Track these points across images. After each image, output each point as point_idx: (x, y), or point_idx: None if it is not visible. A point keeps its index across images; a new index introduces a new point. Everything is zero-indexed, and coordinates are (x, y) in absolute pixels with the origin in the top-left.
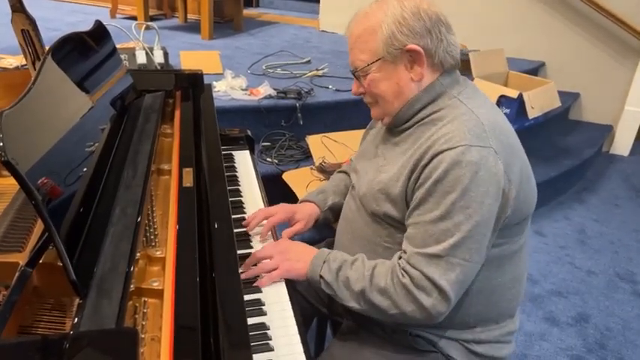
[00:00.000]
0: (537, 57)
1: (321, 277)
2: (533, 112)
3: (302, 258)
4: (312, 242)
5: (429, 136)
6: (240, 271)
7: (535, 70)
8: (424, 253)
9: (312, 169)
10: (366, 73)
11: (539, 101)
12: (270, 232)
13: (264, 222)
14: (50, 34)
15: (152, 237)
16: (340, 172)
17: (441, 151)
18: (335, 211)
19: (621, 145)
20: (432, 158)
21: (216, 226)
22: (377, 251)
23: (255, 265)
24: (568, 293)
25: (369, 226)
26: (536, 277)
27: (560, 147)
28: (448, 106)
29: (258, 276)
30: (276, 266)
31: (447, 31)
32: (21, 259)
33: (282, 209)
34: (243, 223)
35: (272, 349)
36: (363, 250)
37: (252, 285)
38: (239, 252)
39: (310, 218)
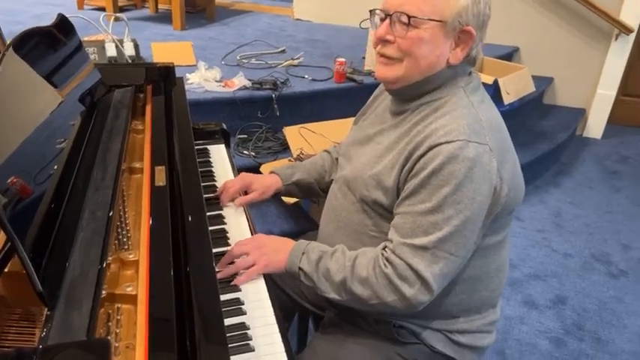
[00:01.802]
0: (511, 42)
1: (300, 268)
2: (508, 98)
3: (280, 251)
4: (291, 235)
5: (426, 124)
6: (216, 270)
7: (509, 55)
8: (410, 244)
9: (290, 160)
10: (416, 25)
11: (514, 87)
12: (248, 226)
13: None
14: (14, 27)
15: (125, 239)
16: (325, 151)
17: (439, 144)
18: (302, 188)
19: (594, 129)
20: (429, 150)
21: (190, 225)
22: (362, 240)
23: (232, 263)
24: (546, 276)
25: (355, 214)
26: (515, 262)
27: (535, 131)
28: (453, 95)
29: (236, 274)
30: (253, 262)
31: (485, 33)
32: None
33: (240, 179)
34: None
35: (252, 350)
36: (348, 239)
37: (230, 284)
38: (215, 250)
39: (268, 189)
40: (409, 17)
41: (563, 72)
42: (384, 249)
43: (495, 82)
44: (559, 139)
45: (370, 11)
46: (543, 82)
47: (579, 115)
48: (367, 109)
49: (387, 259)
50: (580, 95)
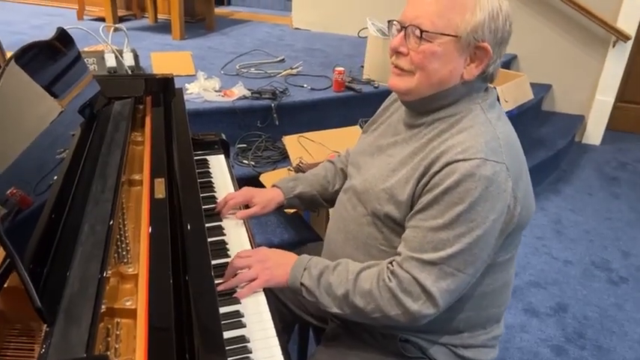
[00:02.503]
0: (509, 50)
1: (302, 284)
2: (507, 106)
3: (282, 266)
4: (292, 244)
5: (442, 140)
6: (218, 282)
7: (507, 63)
8: (419, 258)
9: (289, 169)
10: (430, 39)
11: (513, 94)
12: (248, 239)
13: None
14: (14, 37)
15: (124, 253)
16: (329, 161)
17: (456, 161)
18: (304, 200)
19: (593, 135)
20: (445, 166)
21: (190, 239)
22: (371, 253)
23: (234, 275)
24: (546, 284)
25: (365, 227)
26: (516, 270)
27: (534, 138)
28: (469, 111)
29: (237, 287)
30: (255, 276)
31: (504, 50)
32: None
33: (242, 193)
34: (216, 210)
35: None
36: (356, 252)
37: (231, 297)
38: (215, 262)
39: (270, 203)
40: (422, 31)
41: (561, 79)
42: (390, 262)
43: (494, 90)
44: (558, 146)
45: (388, 22)
46: (542, 90)
47: (578, 121)
48: (377, 118)
49: (392, 273)
50: (578, 102)
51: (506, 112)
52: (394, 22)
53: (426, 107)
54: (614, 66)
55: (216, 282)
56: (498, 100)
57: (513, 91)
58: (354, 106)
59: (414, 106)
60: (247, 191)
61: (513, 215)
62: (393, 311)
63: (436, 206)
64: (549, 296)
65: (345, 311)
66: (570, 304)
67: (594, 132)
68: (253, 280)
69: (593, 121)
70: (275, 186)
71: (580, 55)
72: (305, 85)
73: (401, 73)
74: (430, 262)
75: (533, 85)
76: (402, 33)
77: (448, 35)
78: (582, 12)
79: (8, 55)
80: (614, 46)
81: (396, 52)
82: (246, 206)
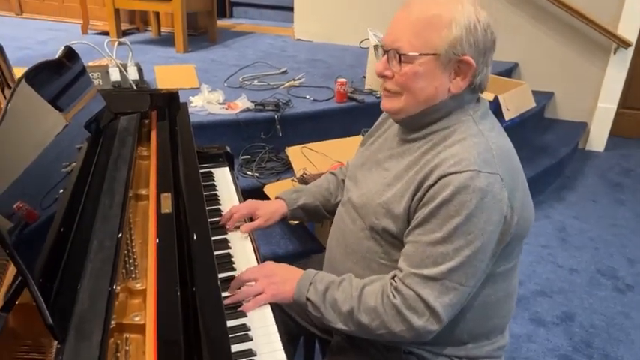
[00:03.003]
0: (510, 58)
1: (308, 299)
2: (509, 114)
3: (288, 280)
4: (296, 255)
5: (436, 153)
6: (224, 294)
7: (509, 71)
8: (420, 274)
9: (293, 180)
10: (409, 61)
11: (515, 103)
12: (253, 252)
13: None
14: (20, 53)
15: (132, 268)
16: (331, 173)
17: (449, 174)
18: (307, 211)
19: (596, 142)
20: (439, 179)
21: (197, 253)
22: (371, 267)
23: (240, 288)
24: (552, 292)
25: (365, 241)
26: (521, 278)
27: (537, 146)
28: (461, 123)
29: (244, 300)
30: (261, 290)
31: (491, 58)
32: None
33: (246, 205)
34: (220, 224)
35: None
36: (356, 265)
37: (237, 310)
38: (221, 275)
39: (273, 215)
40: (400, 55)
41: (563, 86)
42: (392, 278)
43: (496, 98)
44: (561, 154)
45: (374, 47)
46: (544, 97)
47: (581, 128)
48: (375, 131)
49: (396, 289)
50: (581, 109)
51: (508, 121)
52: (379, 46)
53: (417, 123)
54: (615, 73)
55: (222, 295)
56: (500, 110)
57: (515, 100)
58: (357, 116)
59: (406, 123)
60: (251, 204)
61: (510, 225)
62: (398, 327)
63: (433, 220)
64: (555, 305)
65: (350, 327)
66: (577, 312)
67: (597, 139)
68: (259, 294)
69: (596, 128)
70: (279, 198)
71: (581, 62)
72: (307, 97)
73: (389, 95)
74: (432, 277)
75: (535, 92)
76: (385, 57)
77: (427, 54)
78: (583, 19)
79: (15, 70)
80: (615, 53)
81: (382, 76)
82: (251, 219)
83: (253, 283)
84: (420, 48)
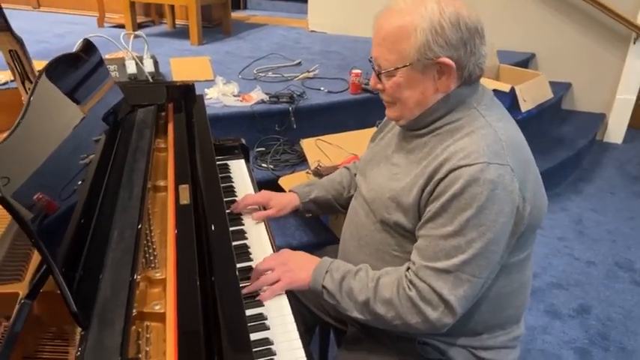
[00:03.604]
0: (527, 48)
1: (323, 287)
2: (526, 106)
3: (304, 268)
4: (311, 247)
5: (444, 147)
6: (242, 285)
7: (526, 61)
8: (433, 267)
9: (307, 173)
10: (391, 75)
11: (532, 94)
12: (269, 240)
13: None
14: (38, 46)
15: (151, 258)
16: (345, 167)
17: (459, 167)
18: (319, 205)
19: (615, 133)
20: (449, 173)
21: (215, 243)
22: (385, 259)
23: (257, 278)
24: (568, 285)
25: (378, 233)
26: (537, 271)
27: (554, 138)
28: (467, 117)
29: (261, 289)
30: (278, 278)
31: (480, 43)
32: (20, 289)
33: (261, 195)
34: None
35: None
36: (370, 258)
37: (254, 299)
38: (239, 265)
39: (286, 207)
40: (380, 72)
41: (581, 77)
42: (407, 270)
43: (512, 90)
44: (579, 145)
45: (369, 59)
46: (561, 88)
47: (599, 120)
48: (384, 127)
49: (411, 282)
50: (599, 100)
51: (525, 112)
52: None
53: (420, 124)
54: (635, 63)
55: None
56: (517, 101)
57: (532, 91)
58: (371, 108)
59: (409, 126)
60: (266, 194)
61: (523, 216)
62: (413, 319)
63: (444, 214)
64: (572, 297)
65: (365, 317)
66: (593, 305)
67: (616, 130)
68: (276, 282)
69: (615, 119)
70: (292, 191)
71: (600, 52)
72: (322, 88)
73: (387, 105)
74: (445, 270)
75: (552, 83)
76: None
77: (403, 66)
78: (602, 9)
79: (35, 63)
80: (634, 42)
81: (376, 89)
82: (264, 208)
83: (270, 272)
84: (394, 62)
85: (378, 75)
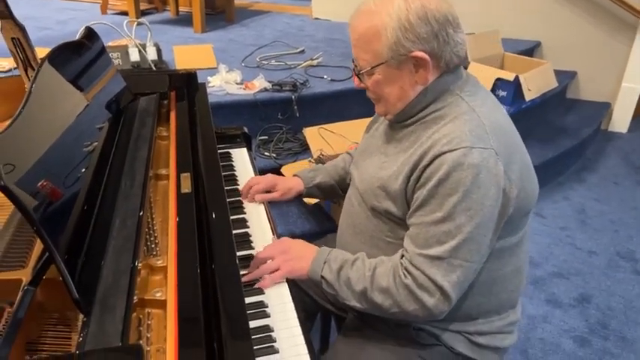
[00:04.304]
0: (532, 37)
1: (322, 277)
2: (530, 94)
3: (303, 258)
4: (312, 235)
5: (429, 135)
6: (243, 273)
7: (531, 50)
8: (426, 254)
9: (310, 161)
10: (370, 74)
11: (536, 83)
12: (270, 229)
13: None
14: (40, 33)
15: (153, 246)
16: (347, 153)
17: (442, 153)
18: (323, 190)
19: (620, 123)
20: (433, 159)
21: (215, 232)
22: (379, 246)
23: (257, 266)
24: (569, 274)
25: (371, 221)
26: (538, 260)
27: (558, 127)
28: (450, 104)
29: (261, 277)
30: (277, 267)
31: (454, 32)
32: (24, 275)
33: (265, 179)
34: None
35: (277, 352)
36: (365, 245)
37: (253, 287)
38: (240, 253)
39: (290, 191)
40: (359, 73)
41: (586, 66)
42: (402, 258)
43: (516, 78)
44: (583, 134)
45: (352, 60)
46: (566, 77)
47: (604, 109)
48: (378, 118)
49: (407, 270)
50: (604, 89)
51: (529, 101)
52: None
53: (406, 116)
54: None
55: (240, 273)
56: (521, 90)
57: (536, 79)
58: None
59: (396, 119)
60: (271, 178)
61: (510, 198)
62: (410, 307)
63: (432, 200)
64: (572, 287)
65: (364, 306)
66: (594, 294)
67: (621, 119)
68: (276, 270)
69: (620, 109)
70: (296, 175)
71: (606, 40)
72: (325, 77)
73: (374, 102)
74: (437, 257)
75: (557, 72)
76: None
77: (379, 64)
78: None
79: (37, 50)
80: None
81: (360, 88)
82: (268, 192)
83: (270, 260)
84: (370, 61)
85: (358, 74)
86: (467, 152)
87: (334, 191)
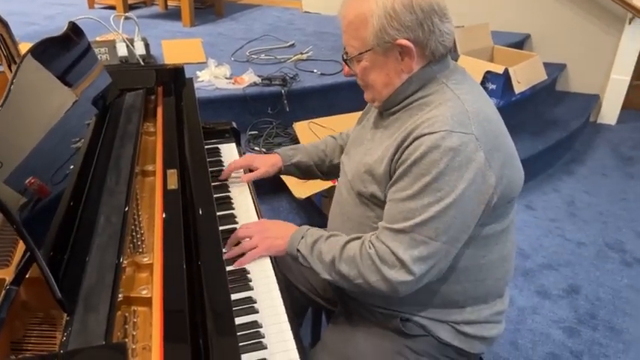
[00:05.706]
0: (522, 29)
1: (298, 250)
2: (519, 87)
3: (281, 235)
4: None
5: (414, 120)
6: (229, 269)
7: (521, 42)
8: (391, 228)
9: None
10: (358, 60)
11: (525, 75)
12: (255, 211)
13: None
14: (28, 28)
15: (139, 243)
16: (331, 136)
17: (422, 135)
18: (301, 169)
19: (608, 115)
20: (413, 141)
21: (202, 228)
22: (366, 231)
23: (236, 244)
24: (559, 266)
25: (358, 207)
26: (527, 252)
27: (547, 119)
28: (436, 92)
29: (240, 255)
30: (255, 245)
31: (440, 21)
32: (7, 274)
33: (244, 158)
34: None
35: (265, 347)
36: (353, 231)
37: (233, 263)
38: (224, 236)
39: (272, 168)
40: (346, 59)
41: (575, 58)
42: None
43: (506, 71)
44: (572, 127)
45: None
46: (556, 69)
47: (593, 101)
48: (368, 109)
49: (371, 242)
50: (593, 81)
51: (519, 94)
52: None
53: (392, 104)
54: (630, 44)
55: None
56: (510, 82)
57: (526, 72)
58: None
59: (384, 107)
60: (248, 157)
61: (490, 185)
62: (372, 277)
63: (405, 178)
64: (562, 278)
65: (333, 277)
66: (583, 285)
67: (610, 111)
68: (254, 248)
69: (609, 101)
70: (276, 152)
71: (595, 32)
72: (315, 71)
73: (363, 88)
74: (400, 230)
75: (546, 64)
76: None
77: (366, 51)
78: None
79: (22, 46)
80: (630, 23)
81: (349, 75)
82: (250, 171)
83: (249, 239)
84: (358, 47)
85: (346, 61)
86: (445, 135)
87: (312, 172)
